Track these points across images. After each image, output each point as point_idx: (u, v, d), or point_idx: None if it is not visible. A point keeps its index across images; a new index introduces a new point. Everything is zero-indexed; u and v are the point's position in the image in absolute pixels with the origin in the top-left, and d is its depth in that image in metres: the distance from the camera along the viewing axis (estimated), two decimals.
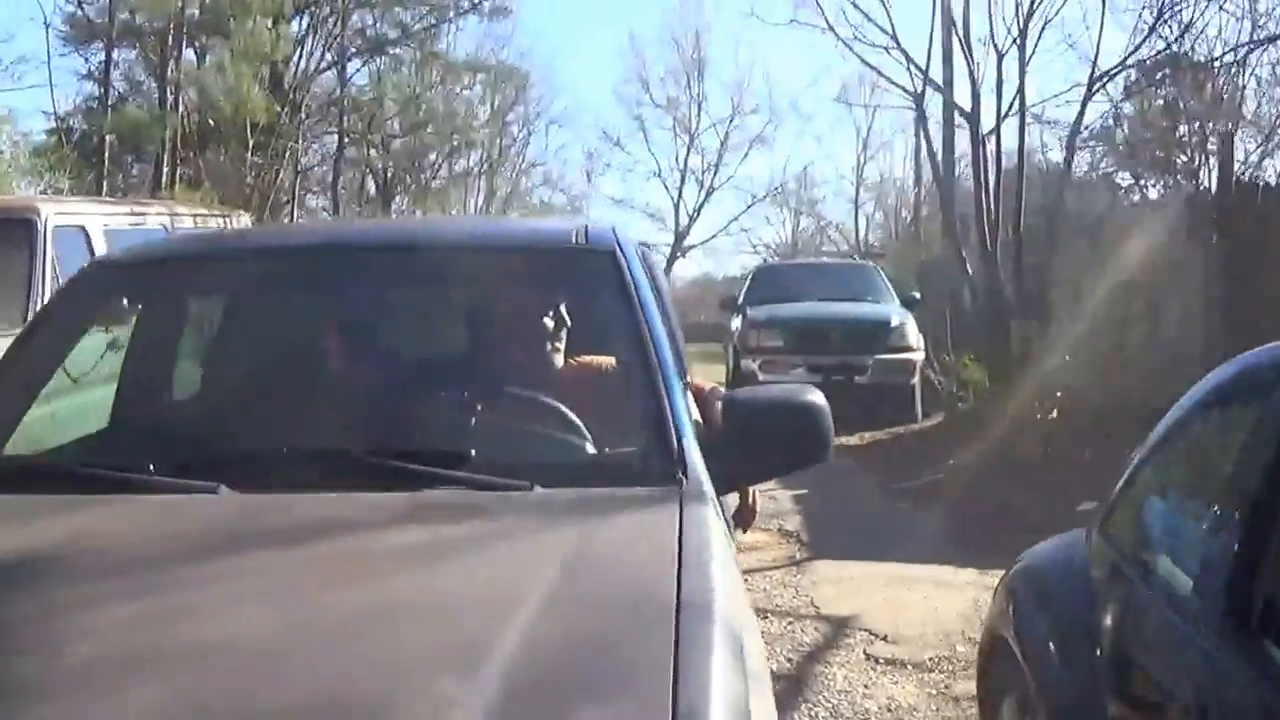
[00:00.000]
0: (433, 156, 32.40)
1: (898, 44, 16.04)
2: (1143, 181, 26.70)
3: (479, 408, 3.46)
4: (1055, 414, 13.61)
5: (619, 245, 3.75)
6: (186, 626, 2.24)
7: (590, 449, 3.28)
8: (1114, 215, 15.80)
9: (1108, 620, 3.71)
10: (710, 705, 1.93)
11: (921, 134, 16.25)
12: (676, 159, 45.01)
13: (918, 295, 17.43)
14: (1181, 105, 17.39)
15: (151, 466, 3.04)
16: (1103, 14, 14.73)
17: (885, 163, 48.86)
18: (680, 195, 45.18)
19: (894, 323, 16.01)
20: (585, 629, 2.22)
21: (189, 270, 4.05)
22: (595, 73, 63.53)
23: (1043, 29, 15.11)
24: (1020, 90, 15.12)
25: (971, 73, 14.99)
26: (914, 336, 16.02)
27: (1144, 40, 15.09)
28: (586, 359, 3.82)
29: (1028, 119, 15.69)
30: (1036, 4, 14.71)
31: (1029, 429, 13.30)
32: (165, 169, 20.44)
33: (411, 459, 3.02)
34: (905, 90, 15.65)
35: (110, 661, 2.10)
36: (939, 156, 19.01)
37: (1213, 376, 3.74)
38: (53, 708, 1.97)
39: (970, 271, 15.23)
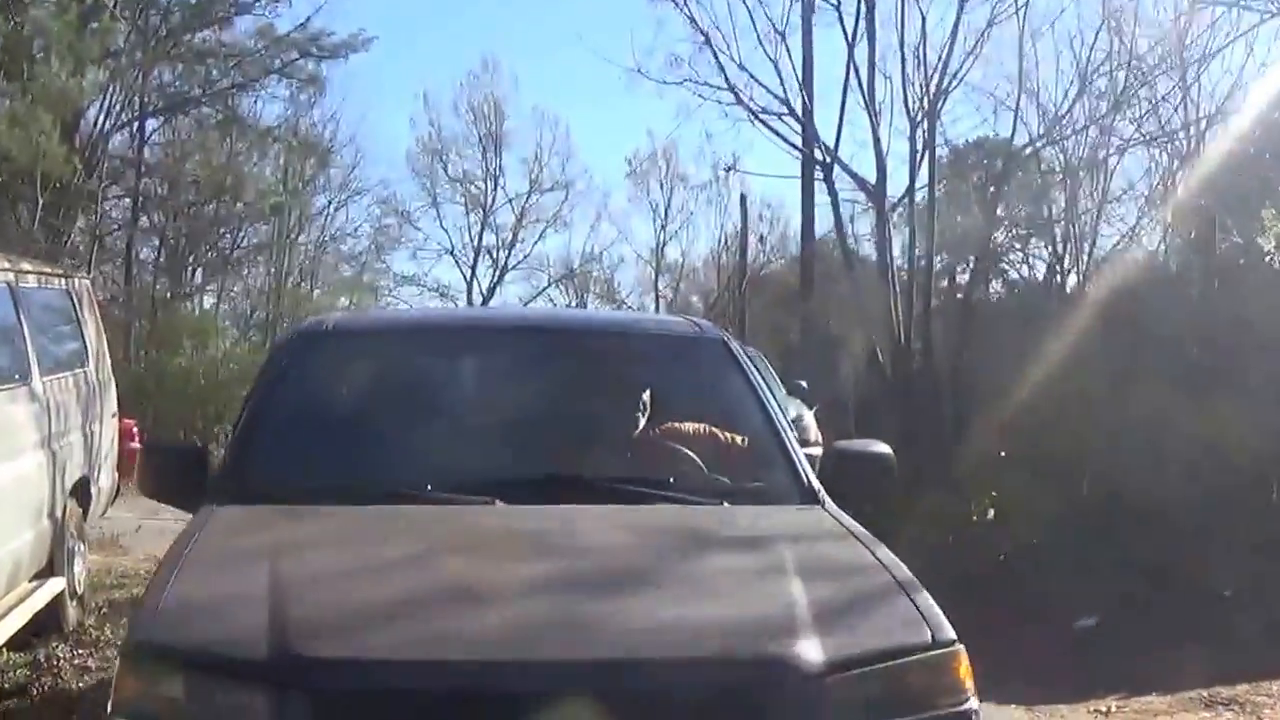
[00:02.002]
0: (230, 227, 30.05)
1: (790, 111, 14.78)
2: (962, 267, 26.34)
3: (661, 450, 4.75)
4: (992, 514, 12.46)
5: (727, 336, 5.32)
6: (523, 561, 3.75)
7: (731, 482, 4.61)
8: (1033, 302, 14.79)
9: None
10: (944, 621, 3.45)
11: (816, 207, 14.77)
12: (470, 235, 43.18)
13: (804, 384, 16.10)
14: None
15: (431, 487, 4.25)
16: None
17: (686, 241, 47.92)
18: (474, 273, 43.32)
19: (792, 415, 14.60)
20: (831, 576, 3.76)
21: (403, 338, 5.55)
22: (402, 140, 61.36)
23: (944, 99, 14.07)
24: (932, 159, 14.04)
25: (877, 144, 13.80)
26: (814, 430, 14.66)
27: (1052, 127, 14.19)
28: (673, 425, 4.90)
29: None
30: (952, 78, 13.68)
31: (963, 531, 12.10)
32: None
33: (641, 483, 4.43)
34: (815, 160, 14.31)
35: (494, 578, 3.61)
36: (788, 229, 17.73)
37: None
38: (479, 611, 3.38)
39: (881, 359, 13.93)
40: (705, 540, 4.06)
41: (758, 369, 15.87)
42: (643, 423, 4.90)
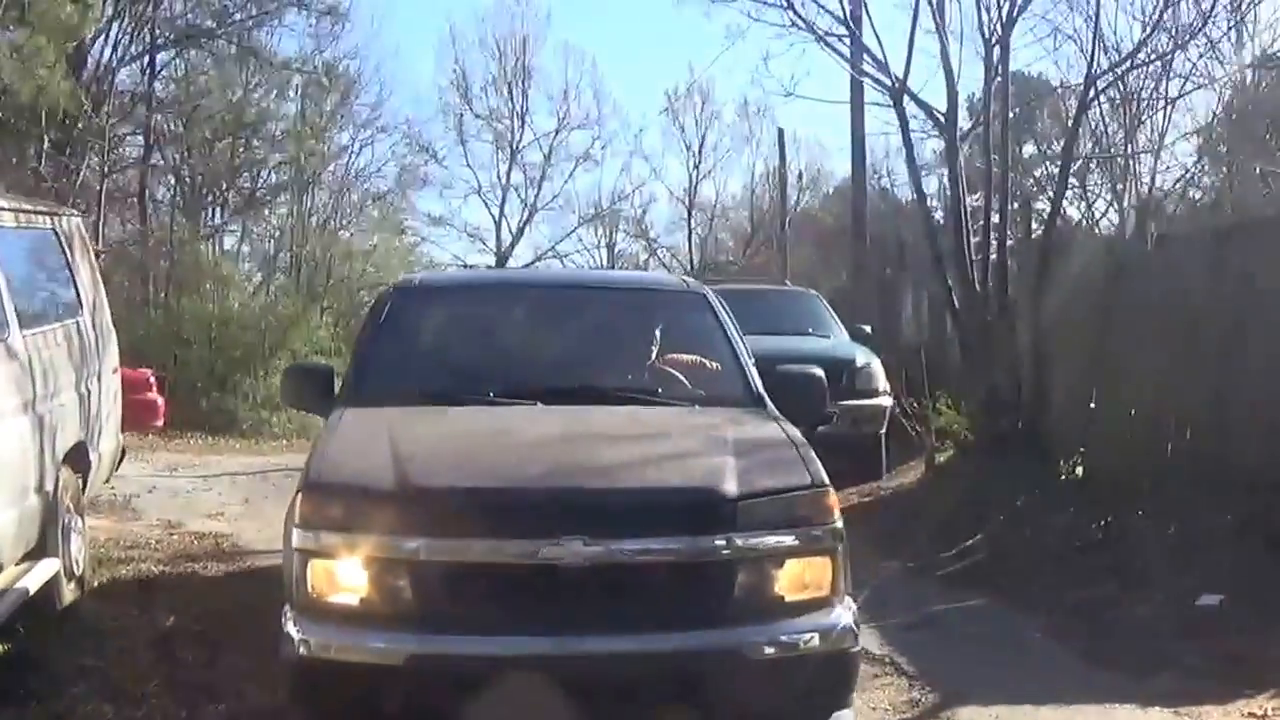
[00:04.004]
0: (250, 165, 28.90)
1: (846, 25, 13.58)
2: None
3: (655, 370, 6.58)
4: (1080, 471, 11.37)
5: (706, 290, 7.30)
6: (553, 435, 5.67)
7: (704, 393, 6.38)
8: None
9: None
10: (822, 472, 5.16)
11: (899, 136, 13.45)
12: (499, 174, 42.01)
13: (868, 329, 15.00)
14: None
15: (493, 394, 6.13)
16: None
17: (720, 180, 46.80)
18: (502, 213, 42.18)
19: (860, 363, 13.58)
20: (755, 446, 5.49)
21: (471, 291, 7.96)
22: (428, 77, 60.24)
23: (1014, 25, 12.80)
24: (1005, 85, 12.85)
25: (948, 66, 12.60)
26: (883, 379, 13.61)
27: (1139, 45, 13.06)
28: (674, 355, 6.65)
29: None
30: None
31: (1051, 490, 11.02)
32: None
33: (639, 391, 6.31)
34: (883, 84, 13.09)
35: (530, 442, 5.54)
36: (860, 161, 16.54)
37: None
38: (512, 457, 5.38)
39: (957, 302, 12.78)
40: (676, 425, 5.94)
41: (817, 309, 15.00)
42: (647, 352, 6.65)
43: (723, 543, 4.90)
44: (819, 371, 6.62)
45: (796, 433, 5.69)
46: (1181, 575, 8.57)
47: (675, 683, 4.86)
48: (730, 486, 5.00)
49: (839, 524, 5.12)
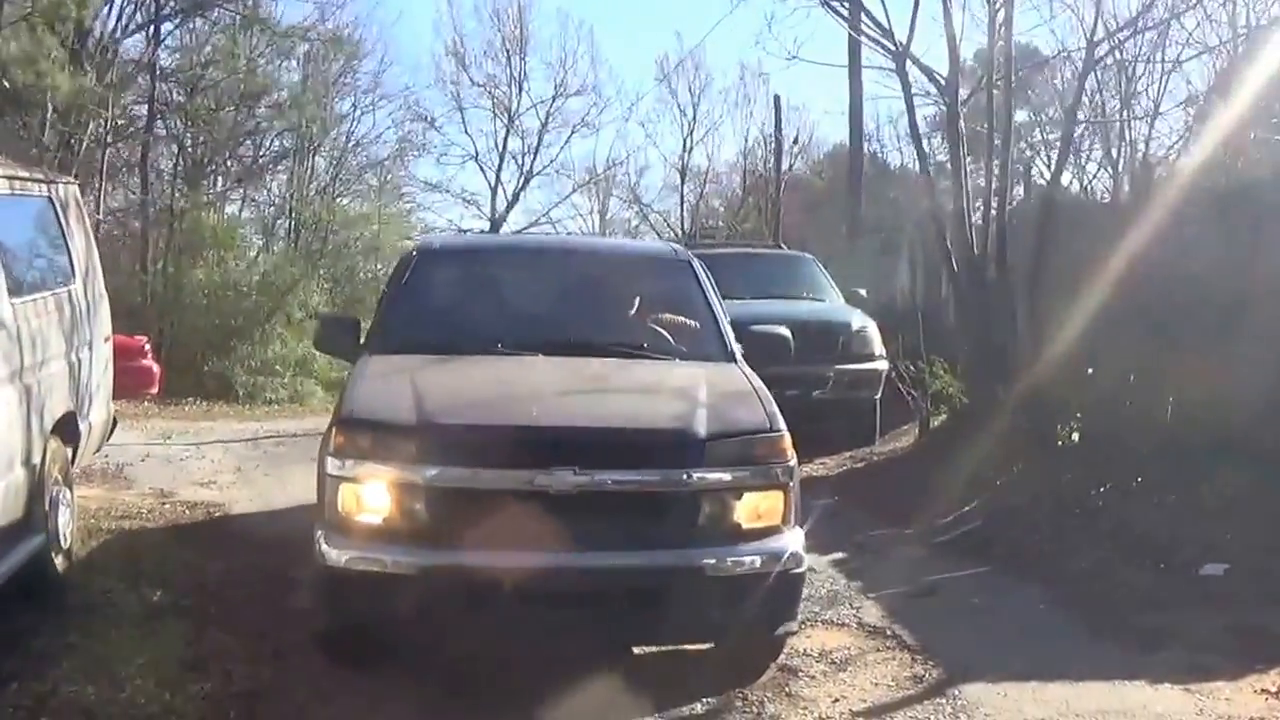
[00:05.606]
0: (252, 133, 28.75)
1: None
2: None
3: (642, 327, 7.41)
4: (1076, 437, 11.27)
5: (691, 257, 7.98)
6: (551, 382, 6.54)
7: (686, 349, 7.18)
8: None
9: None
10: (780, 418, 6.05)
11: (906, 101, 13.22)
12: (495, 141, 41.79)
13: (864, 292, 14.93)
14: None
15: (501, 345, 6.90)
16: None
17: (712, 146, 46.51)
18: (499, 179, 41.94)
19: (855, 326, 13.52)
20: (723, 395, 6.33)
21: (484, 254, 8.72)
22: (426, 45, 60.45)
23: None
24: (1008, 49, 12.71)
25: (950, 28, 12.48)
26: (878, 343, 13.53)
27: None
28: (664, 316, 7.46)
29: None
30: None
31: (1047, 456, 10.94)
32: None
33: (627, 346, 7.06)
34: (886, 48, 12.94)
35: (531, 387, 6.42)
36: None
37: None
38: (516, 402, 6.23)
39: (956, 266, 12.69)
40: (657, 375, 6.79)
41: (813, 273, 14.91)
42: (633, 311, 7.53)
43: (690, 476, 5.71)
44: (785, 331, 7.66)
45: (760, 384, 6.52)
46: (1183, 544, 8.50)
47: (645, 593, 5.73)
48: (699, 428, 5.84)
49: (792, 463, 5.97)
